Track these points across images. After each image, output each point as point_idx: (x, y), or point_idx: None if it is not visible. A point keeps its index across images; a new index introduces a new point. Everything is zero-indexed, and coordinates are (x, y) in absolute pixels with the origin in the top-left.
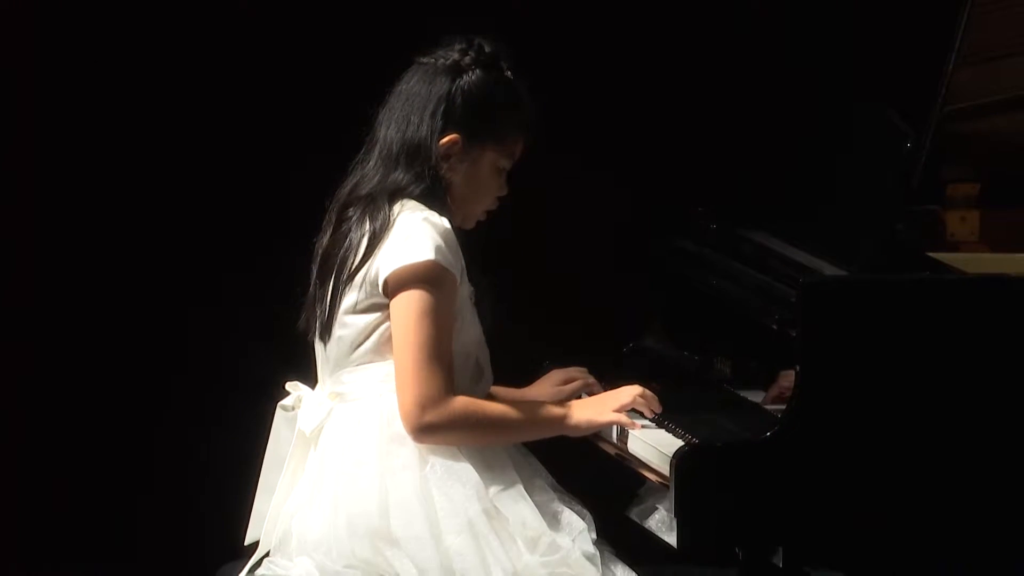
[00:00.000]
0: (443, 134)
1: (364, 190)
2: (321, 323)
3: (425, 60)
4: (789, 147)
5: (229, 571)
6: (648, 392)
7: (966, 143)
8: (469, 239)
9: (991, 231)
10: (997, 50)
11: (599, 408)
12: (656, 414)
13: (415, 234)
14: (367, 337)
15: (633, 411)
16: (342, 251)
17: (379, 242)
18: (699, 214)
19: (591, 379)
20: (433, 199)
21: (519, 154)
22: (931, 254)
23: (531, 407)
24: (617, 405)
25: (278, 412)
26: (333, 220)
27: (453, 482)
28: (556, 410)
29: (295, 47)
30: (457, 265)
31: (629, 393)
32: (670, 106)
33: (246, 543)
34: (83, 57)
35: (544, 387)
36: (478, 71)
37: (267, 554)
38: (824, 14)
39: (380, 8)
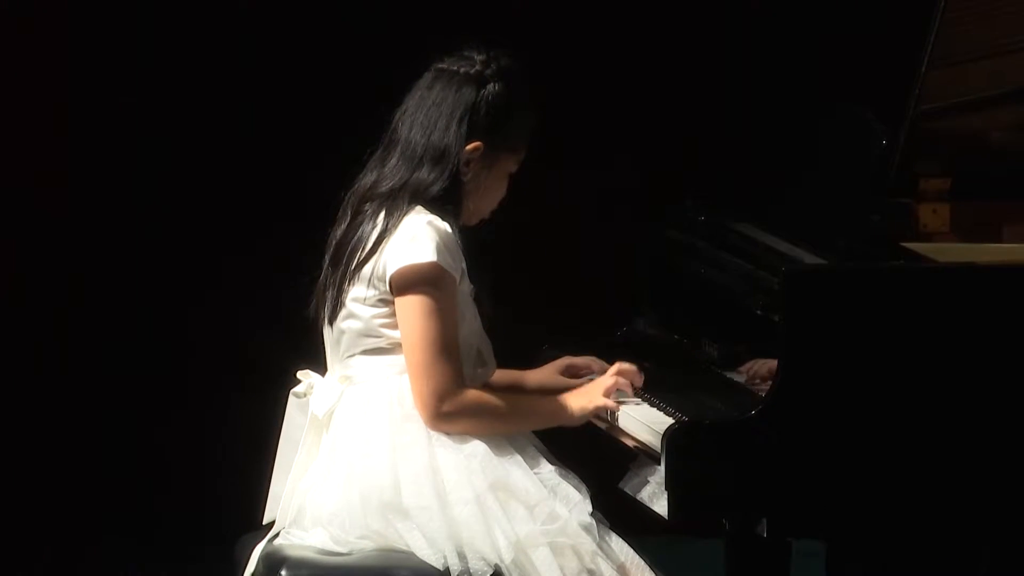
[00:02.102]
0: (468, 141)
1: (385, 187)
2: (330, 309)
3: (445, 67)
4: (773, 144)
5: (248, 542)
6: (625, 367)
7: (937, 140)
8: (473, 234)
9: (961, 223)
10: (966, 54)
11: (589, 397)
12: (645, 392)
13: (419, 236)
14: (375, 329)
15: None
16: (353, 242)
17: (386, 239)
18: (688, 206)
19: (600, 364)
20: (449, 199)
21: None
22: (905, 244)
23: (533, 400)
24: (603, 390)
25: (291, 399)
26: (349, 212)
27: (459, 456)
28: (554, 403)
29: (306, 51)
30: (457, 266)
31: (610, 376)
32: (661, 103)
33: (264, 522)
34: (98, 52)
35: (547, 372)
36: (500, 83)
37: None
38: (806, 21)
39: (383, 11)
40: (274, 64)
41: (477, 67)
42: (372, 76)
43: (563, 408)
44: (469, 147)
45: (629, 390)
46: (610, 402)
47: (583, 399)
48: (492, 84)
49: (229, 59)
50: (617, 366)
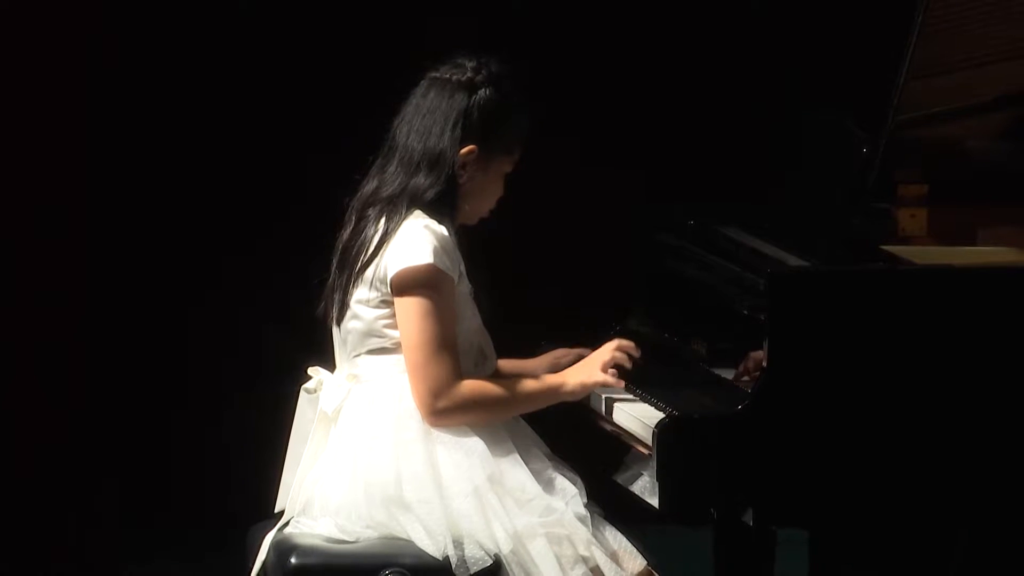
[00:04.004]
0: (462, 145)
1: (386, 192)
2: (337, 310)
3: (438, 75)
4: (759, 152)
5: (259, 530)
6: (623, 342)
7: (916, 148)
8: (471, 234)
9: (938, 227)
10: (943, 66)
11: (588, 370)
12: (637, 388)
13: (417, 239)
14: (378, 330)
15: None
16: (357, 246)
17: (387, 242)
18: (678, 211)
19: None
20: (446, 202)
21: (518, 161)
22: (884, 247)
23: (530, 382)
24: (601, 364)
25: (302, 394)
26: (354, 217)
27: (459, 452)
28: (552, 380)
29: (311, 54)
30: (454, 268)
31: (607, 350)
32: (654, 110)
33: (275, 511)
34: (104, 55)
35: (544, 360)
36: (491, 88)
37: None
38: (791, 33)
39: (383, 10)
40: (280, 68)
41: (468, 74)
42: (376, 80)
43: (563, 384)
44: (464, 151)
45: (627, 363)
46: (610, 377)
47: (582, 374)
48: (483, 89)
49: (237, 61)
50: (616, 342)
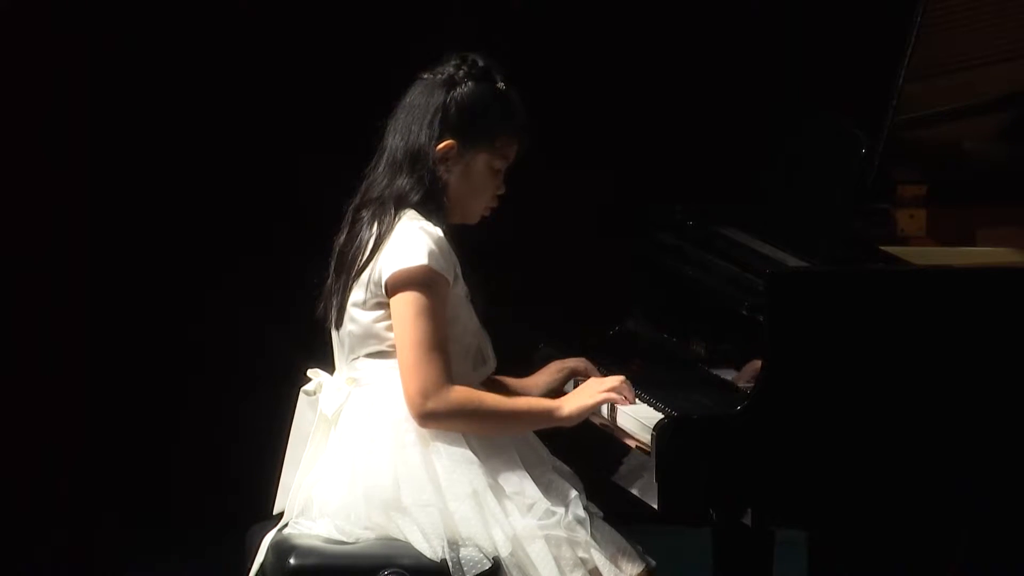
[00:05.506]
0: (440, 140)
1: (375, 193)
2: (336, 314)
3: (426, 76)
4: (758, 152)
5: (259, 530)
6: (619, 384)
7: (915, 148)
8: (468, 235)
9: (937, 227)
10: (943, 66)
11: (587, 393)
12: (636, 389)
13: (412, 241)
14: (375, 333)
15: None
16: (353, 249)
17: (382, 245)
18: (677, 211)
19: (588, 365)
20: (432, 200)
21: (513, 156)
22: (883, 247)
23: (526, 401)
24: (603, 388)
25: (301, 396)
26: (349, 219)
27: (458, 456)
28: (549, 403)
29: (312, 57)
30: (449, 269)
31: (614, 379)
32: (652, 109)
33: (274, 512)
34: (108, 57)
35: (543, 377)
36: (471, 83)
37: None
38: (790, 34)
39: (385, 11)
40: (283, 69)
41: (450, 71)
42: (377, 82)
43: (559, 409)
44: (441, 146)
45: (625, 403)
46: (610, 395)
47: (582, 397)
48: (462, 85)
49: (239, 62)
50: (612, 380)
